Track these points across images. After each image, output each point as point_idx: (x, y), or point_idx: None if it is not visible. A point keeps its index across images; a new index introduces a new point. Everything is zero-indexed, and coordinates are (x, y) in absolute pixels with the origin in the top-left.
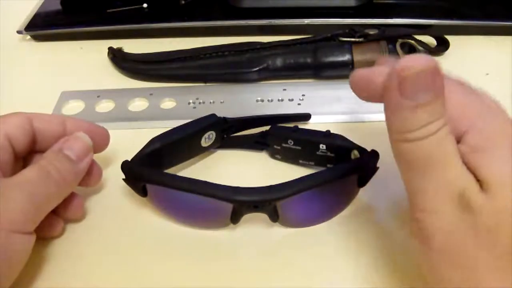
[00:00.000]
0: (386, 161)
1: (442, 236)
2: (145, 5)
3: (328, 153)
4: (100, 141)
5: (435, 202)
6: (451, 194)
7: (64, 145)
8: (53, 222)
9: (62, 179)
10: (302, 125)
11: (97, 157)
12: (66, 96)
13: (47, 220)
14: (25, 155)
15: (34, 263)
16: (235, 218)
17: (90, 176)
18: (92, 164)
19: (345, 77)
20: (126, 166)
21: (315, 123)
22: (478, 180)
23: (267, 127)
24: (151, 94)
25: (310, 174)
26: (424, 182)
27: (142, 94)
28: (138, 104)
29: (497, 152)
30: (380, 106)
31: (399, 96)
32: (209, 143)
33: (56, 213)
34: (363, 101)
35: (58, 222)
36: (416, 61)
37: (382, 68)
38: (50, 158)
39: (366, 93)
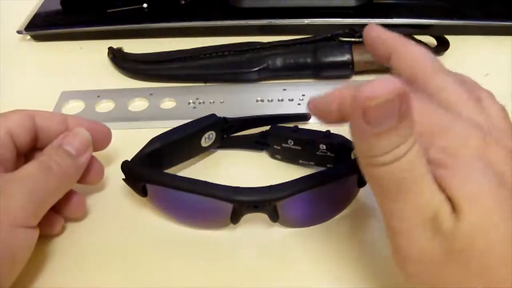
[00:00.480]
0: None
1: (416, 260)
2: (145, 5)
3: (328, 153)
4: (101, 139)
5: (408, 226)
6: (424, 218)
7: (63, 140)
8: (53, 220)
9: (63, 174)
10: (302, 125)
11: (97, 156)
12: (66, 96)
13: (47, 218)
14: (27, 152)
15: (33, 262)
16: (235, 218)
17: (90, 173)
18: (93, 161)
19: (345, 77)
20: (126, 166)
21: (315, 123)
22: (450, 199)
23: (267, 127)
24: (151, 94)
25: (310, 174)
26: (397, 206)
27: (142, 94)
28: (138, 104)
29: (464, 168)
30: None
31: (364, 124)
32: (209, 143)
33: (57, 211)
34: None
35: (58, 220)
36: (381, 89)
37: (335, 94)
38: (50, 153)
39: (326, 119)
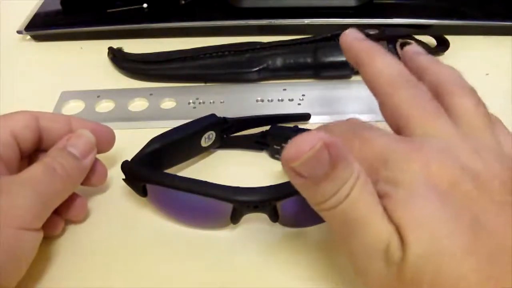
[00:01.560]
0: None
1: None
2: (145, 5)
3: None
4: (105, 141)
5: (364, 263)
6: (376, 251)
7: (68, 142)
8: (54, 221)
9: (67, 176)
10: (302, 125)
11: (97, 156)
12: (66, 96)
13: (49, 220)
14: (31, 154)
15: (35, 263)
16: (235, 218)
17: (94, 175)
18: (97, 163)
19: (345, 77)
20: (126, 166)
21: (315, 123)
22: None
23: (267, 127)
24: (151, 94)
25: None
26: (351, 246)
27: (142, 94)
28: (138, 104)
29: (404, 196)
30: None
31: (297, 178)
32: (209, 143)
33: (58, 213)
34: (363, 101)
35: (59, 221)
36: (301, 149)
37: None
38: (54, 155)
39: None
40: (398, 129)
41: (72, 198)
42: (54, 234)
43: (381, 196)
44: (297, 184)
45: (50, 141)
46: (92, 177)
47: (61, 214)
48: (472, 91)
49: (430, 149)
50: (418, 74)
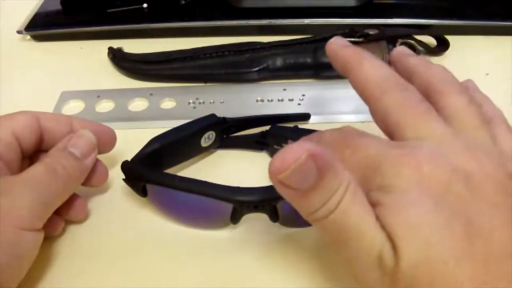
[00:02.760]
0: None
1: None
2: (145, 5)
3: None
4: (106, 141)
5: (360, 272)
6: (371, 262)
7: (69, 142)
8: (54, 221)
9: (68, 176)
10: (302, 125)
11: (97, 157)
12: (66, 96)
13: (49, 220)
14: (32, 154)
15: (34, 263)
16: (235, 218)
17: (95, 175)
18: (98, 163)
19: (345, 77)
20: (126, 166)
21: (315, 123)
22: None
23: (267, 127)
24: (151, 94)
25: None
26: (346, 254)
27: (142, 94)
28: (138, 104)
29: (396, 203)
30: None
31: (285, 189)
32: (209, 143)
33: (59, 213)
34: (363, 101)
35: (59, 221)
36: (286, 160)
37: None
38: (55, 155)
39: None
40: (391, 134)
41: (72, 198)
42: (54, 234)
43: (373, 204)
44: (286, 195)
45: (51, 142)
46: (92, 177)
47: (62, 214)
48: (463, 89)
49: (421, 152)
50: (407, 75)
